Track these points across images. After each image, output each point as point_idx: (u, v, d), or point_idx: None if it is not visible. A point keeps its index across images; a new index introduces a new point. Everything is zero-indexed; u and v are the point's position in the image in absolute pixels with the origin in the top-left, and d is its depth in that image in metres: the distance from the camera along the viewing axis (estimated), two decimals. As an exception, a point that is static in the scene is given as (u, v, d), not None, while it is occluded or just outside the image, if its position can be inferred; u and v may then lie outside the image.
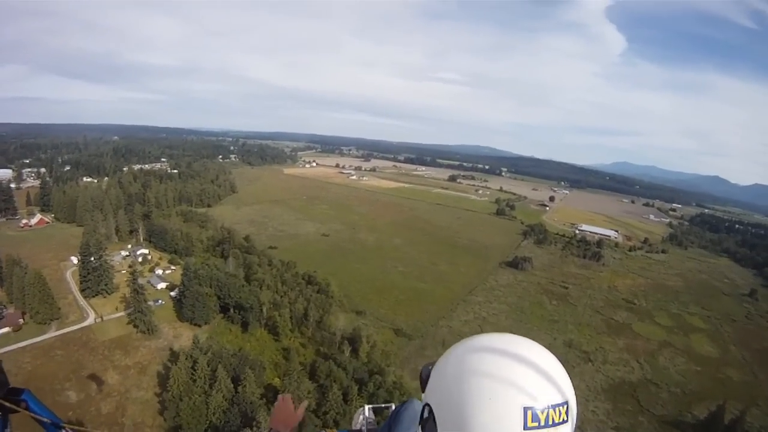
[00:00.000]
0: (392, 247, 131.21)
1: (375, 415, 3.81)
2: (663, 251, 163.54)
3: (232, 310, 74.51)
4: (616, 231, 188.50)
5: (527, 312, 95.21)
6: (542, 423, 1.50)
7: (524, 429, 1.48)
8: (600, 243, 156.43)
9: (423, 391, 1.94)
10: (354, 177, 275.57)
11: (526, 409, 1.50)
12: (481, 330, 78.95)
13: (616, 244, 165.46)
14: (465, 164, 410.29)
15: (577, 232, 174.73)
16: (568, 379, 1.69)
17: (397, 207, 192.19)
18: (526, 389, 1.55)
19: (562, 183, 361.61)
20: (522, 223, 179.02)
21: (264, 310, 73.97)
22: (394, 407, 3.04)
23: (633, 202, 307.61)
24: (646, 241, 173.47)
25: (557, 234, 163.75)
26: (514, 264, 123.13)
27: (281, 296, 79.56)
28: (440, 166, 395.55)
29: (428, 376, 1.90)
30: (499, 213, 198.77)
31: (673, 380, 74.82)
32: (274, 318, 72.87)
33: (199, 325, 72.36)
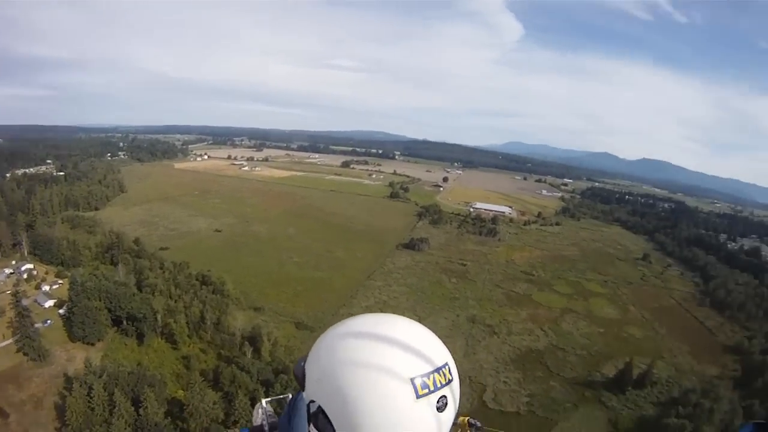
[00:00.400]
0: (286, 237, 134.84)
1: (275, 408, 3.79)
2: (557, 224, 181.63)
3: (125, 322, 73.74)
4: (511, 207, 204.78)
5: (427, 292, 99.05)
6: (432, 388, 1.78)
7: (417, 398, 1.74)
8: (495, 219, 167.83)
9: (302, 388, 2.20)
10: (246, 168, 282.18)
11: (413, 380, 1.76)
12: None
13: (511, 220, 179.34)
14: (358, 150, 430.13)
15: (471, 210, 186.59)
16: (441, 341, 2.04)
17: (290, 196, 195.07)
18: (407, 362, 1.80)
19: (456, 164, 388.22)
20: (416, 204, 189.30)
21: (159, 318, 73.98)
22: (291, 397, 3.02)
23: (525, 179, 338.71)
24: (539, 215, 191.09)
25: (452, 213, 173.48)
26: (411, 246, 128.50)
27: (175, 301, 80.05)
28: (334, 152, 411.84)
29: (303, 373, 2.19)
30: (393, 196, 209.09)
31: (578, 344, 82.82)
32: (170, 325, 73.12)
33: (92, 344, 70.50)
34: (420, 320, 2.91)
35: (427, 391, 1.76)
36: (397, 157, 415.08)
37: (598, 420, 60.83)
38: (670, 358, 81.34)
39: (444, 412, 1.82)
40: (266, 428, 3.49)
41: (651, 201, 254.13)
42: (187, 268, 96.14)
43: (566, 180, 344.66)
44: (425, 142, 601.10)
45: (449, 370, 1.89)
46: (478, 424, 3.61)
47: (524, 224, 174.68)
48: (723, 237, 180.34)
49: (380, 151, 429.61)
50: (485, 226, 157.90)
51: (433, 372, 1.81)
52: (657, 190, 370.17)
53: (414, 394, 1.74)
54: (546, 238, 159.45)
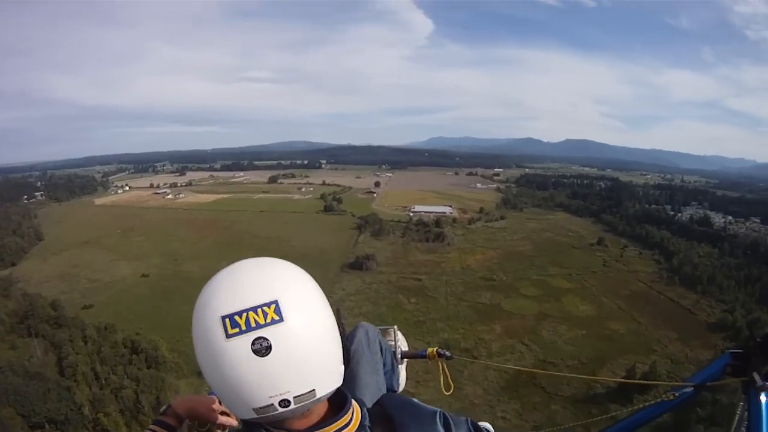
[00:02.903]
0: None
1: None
2: (502, 218, 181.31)
3: (47, 426, 59.47)
4: (450, 206, 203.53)
5: (387, 318, 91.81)
6: (244, 327, 1.57)
7: (227, 338, 1.57)
8: (438, 222, 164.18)
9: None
10: (170, 196, 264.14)
11: (223, 318, 1.58)
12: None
13: (454, 220, 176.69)
14: (283, 162, 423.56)
15: (411, 214, 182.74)
16: (287, 277, 1.78)
17: (220, 223, 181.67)
18: (220, 299, 1.65)
19: (383, 166, 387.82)
20: (353, 215, 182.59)
21: (86, 411, 61.14)
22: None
23: (456, 173, 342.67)
24: (481, 210, 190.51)
25: (392, 221, 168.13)
26: (358, 265, 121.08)
27: (101, 387, 66.46)
28: (258, 168, 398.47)
29: None
30: (327, 209, 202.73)
31: (566, 353, 79.46)
32: (101, 421, 60.34)
33: (11, 466, 56.32)
34: None
35: (237, 330, 1.56)
36: (323, 165, 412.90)
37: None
38: (662, 349, 79.73)
39: (267, 357, 1.57)
40: None
41: (587, 182, 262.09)
42: (114, 333, 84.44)
43: (497, 170, 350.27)
44: (349, 147, 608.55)
45: (276, 310, 1.60)
46: (447, 353, 3.91)
47: (469, 223, 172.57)
48: (668, 209, 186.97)
49: (306, 162, 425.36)
50: (430, 231, 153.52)
51: (247, 310, 1.58)
52: (586, 168, 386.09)
53: (223, 334, 1.57)
54: (495, 235, 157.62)
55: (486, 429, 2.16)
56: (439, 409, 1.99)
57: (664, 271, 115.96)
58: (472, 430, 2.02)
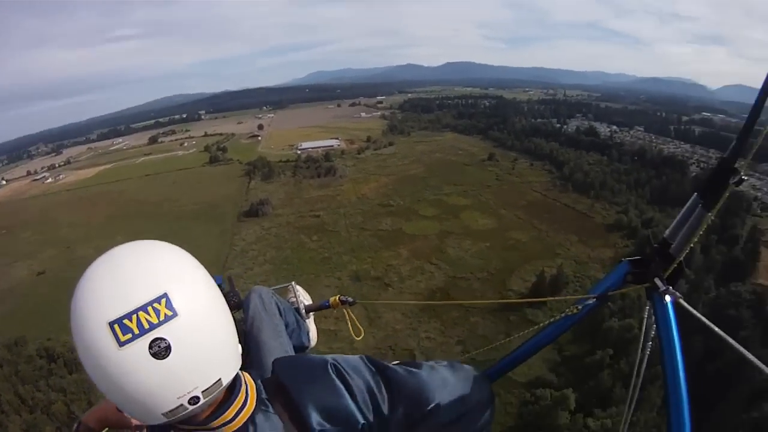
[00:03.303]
0: None
1: None
2: (390, 144, 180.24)
3: None
4: (337, 138, 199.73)
5: (294, 261, 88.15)
6: (137, 331, 1.38)
7: (120, 346, 1.37)
8: (327, 156, 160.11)
9: None
10: (50, 180, 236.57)
11: (111, 324, 1.37)
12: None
13: (343, 152, 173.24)
14: (161, 120, 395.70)
15: (299, 152, 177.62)
16: (168, 262, 1.60)
17: (107, 197, 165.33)
18: (102, 301, 1.43)
19: (264, 108, 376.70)
20: (240, 163, 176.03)
21: None
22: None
23: (339, 106, 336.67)
24: (369, 139, 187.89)
25: (281, 162, 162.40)
26: (253, 212, 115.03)
27: (31, 410, 57.92)
28: (137, 131, 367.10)
29: None
30: (213, 161, 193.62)
31: (474, 266, 79.55)
32: None
33: None
34: None
35: (130, 336, 1.37)
36: (203, 116, 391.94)
37: (535, 343, 57.07)
38: (565, 252, 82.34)
39: (168, 358, 1.40)
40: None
41: (471, 101, 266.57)
42: (25, 346, 74.32)
43: (379, 97, 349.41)
44: (227, 93, 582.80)
45: (167, 304, 1.43)
46: (350, 299, 3.90)
47: (358, 153, 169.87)
48: (554, 122, 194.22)
49: (184, 115, 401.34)
50: (321, 166, 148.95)
51: (136, 311, 1.39)
52: (469, 89, 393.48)
53: (115, 343, 1.36)
54: (386, 161, 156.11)
55: (384, 364, 1.91)
56: (330, 359, 1.87)
57: (557, 179, 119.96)
58: (370, 366, 1.86)
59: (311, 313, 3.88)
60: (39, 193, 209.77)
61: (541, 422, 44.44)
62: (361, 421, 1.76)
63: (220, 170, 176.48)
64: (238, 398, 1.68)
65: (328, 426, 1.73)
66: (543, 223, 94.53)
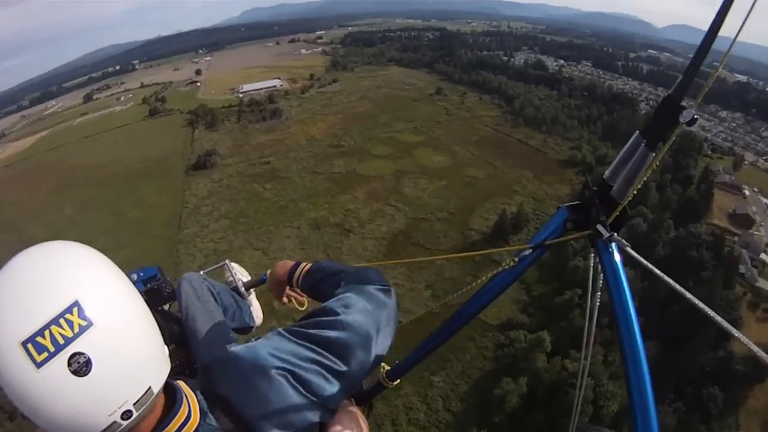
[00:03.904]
0: (68, 224, 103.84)
1: None
2: (334, 81, 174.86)
3: None
4: (279, 78, 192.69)
5: (250, 213, 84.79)
6: (52, 348, 1.21)
7: (39, 367, 1.20)
8: (271, 97, 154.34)
9: None
10: None
11: (24, 344, 1.20)
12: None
13: (286, 92, 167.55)
14: (94, 75, 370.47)
15: (241, 96, 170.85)
16: (73, 264, 1.38)
17: (47, 167, 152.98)
18: (10, 319, 1.23)
19: (200, 51, 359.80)
20: (181, 112, 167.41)
21: None
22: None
23: (278, 43, 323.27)
24: (312, 77, 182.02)
25: (223, 107, 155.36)
26: (201, 165, 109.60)
27: (10, 416, 51.14)
28: (70, 90, 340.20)
29: None
30: (153, 113, 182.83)
31: (434, 206, 78.76)
32: None
33: None
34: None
35: (46, 354, 1.20)
36: (137, 66, 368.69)
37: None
38: (522, 189, 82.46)
39: (90, 373, 1.24)
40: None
41: (414, 33, 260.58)
42: None
43: (319, 32, 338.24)
44: (159, 39, 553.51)
45: (80, 313, 1.26)
46: None
47: (302, 92, 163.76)
48: (500, 55, 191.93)
49: (117, 67, 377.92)
50: (265, 108, 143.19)
51: (47, 325, 1.21)
52: (410, 21, 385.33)
53: (32, 364, 1.20)
54: (331, 100, 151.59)
55: (307, 333, 1.77)
56: (272, 360, 1.65)
57: (507, 114, 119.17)
58: (306, 344, 1.70)
59: (252, 290, 3.62)
60: None
61: (518, 365, 44.75)
62: (321, 412, 1.69)
63: (161, 122, 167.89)
64: (179, 413, 1.51)
65: None
66: (497, 159, 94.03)
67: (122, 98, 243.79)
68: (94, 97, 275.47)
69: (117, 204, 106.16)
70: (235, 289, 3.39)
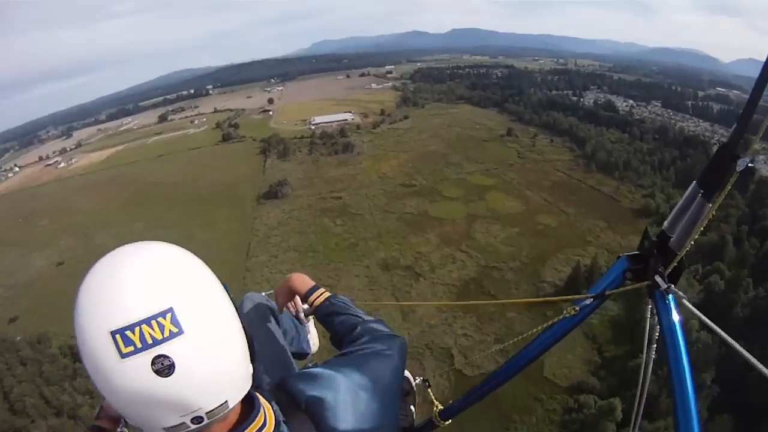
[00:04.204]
0: (137, 237, 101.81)
1: None
2: (405, 117, 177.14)
3: None
4: (351, 112, 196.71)
5: (319, 247, 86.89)
6: (140, 345, 1.31)
7: (122, 357, 1.30)
8: (343, 131, 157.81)
9: None
10: (62, 164, 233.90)
11: (113, 334, 1.31)
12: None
13: (358, 127, 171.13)
14: (169, 97, 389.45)
15: (312, 127, 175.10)
16: (177, 271, 1.49)
17: (121, 181, 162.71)
18: (104, 308, 1.36)
19: (272, 81, 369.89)
20: (254, 140, 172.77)
21: None
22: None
23: (348, 76, 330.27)
24: (383, 112, 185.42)
25: (295, 138, 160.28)
26: (272, 194, 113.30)
27: (57, 413, 57.00)
28: (145, 109, 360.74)
29: None
30: (226, 138, 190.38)
31: (505, 255, 78.29)
32: None
33: None
34: (331, 289, 2.87)
35: (132, 348, 1.30)
36: (211, 91, 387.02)
37: (575, 339, 55.76)
38: (595, 239, 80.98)
39: (171, 377, 1.33)
40: None
41: (483, 71, 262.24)
42: (49, 344, 73.31)
43: (389, 67, 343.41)
44: (232, 67, 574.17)
45: (173, 320, 1.35)
46: (345, 298, 3.36)
47: (373, 127, 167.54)
48: (569, 94, 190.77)
49: (192, 91, 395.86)
50: (337, 142, 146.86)
51: (139, 323, 1.32)
52: (478, 57, 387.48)
53: (116, 353, 1.30)
54: (402, 136, 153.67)
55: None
56: (348, 379, 1.87)
57: (579, 158, 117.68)
58: (351, 363, 1.99)
59: (311, 317, 3.50)
60: (52, 179, 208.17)
61: (586, 433, 43.77)
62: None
63: (234, 148, 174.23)
64: (255, 421, 1.60)
65: None
66: (570, 207, 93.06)
67: (196, 121, 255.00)
68: (169, 118, 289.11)
69: (186, 224, 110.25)
70: (295, 315, 3.47)
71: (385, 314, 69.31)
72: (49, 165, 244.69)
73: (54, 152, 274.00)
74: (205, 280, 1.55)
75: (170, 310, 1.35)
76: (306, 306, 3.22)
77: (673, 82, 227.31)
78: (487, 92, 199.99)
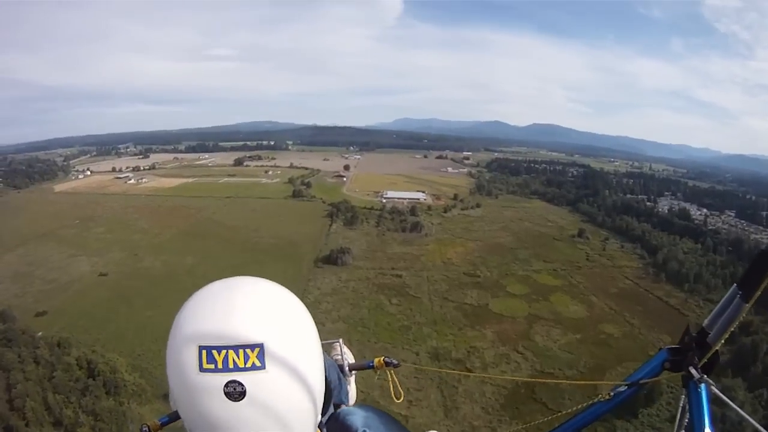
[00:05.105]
0: (186, 271, 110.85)
1: None
2: (477, 205, 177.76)
3: None
4: (423, 192, 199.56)
5: (370, 323, 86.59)
6: (219, 366, 1.44)
7: (200, 371, 1.44)
8: (413, 210, 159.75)
9: None
10: (132, 181, 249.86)
11: (201, 348, 1.46)
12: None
13: (429, 207, 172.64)
14: (249, 143, 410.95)
15: (384, 201, 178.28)
16: (280, 314, 1.64)
17: (184, 211, 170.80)
18: (203, 323, 1.52)
19: (351, 148, 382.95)
20: (324, 202, 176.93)
21: None
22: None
23: (426, 156, 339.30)
24: (456, 197, 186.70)
25: (365, 208, 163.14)
26: (332, 259, 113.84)
27: (54, 423, 56.19)
28: (224, 150, 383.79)
29: None
30: (296, 195, 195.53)
31: (563, 361, 75.67)
32: None
33: None
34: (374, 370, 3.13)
35: (213, 366, 1.43)
36: (290, 147, 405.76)
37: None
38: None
39: (239, 402, 1.44)
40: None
41: (559, 168, 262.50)
42: (68, 351, 72.35)
43: (466, 153, 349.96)
44: (314, 128, 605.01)
45: (259, 355, 1.46)
46: (395, 362, 3.77)
47: (444, 211, 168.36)
48: (644, 199, 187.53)
49: (272, 143, 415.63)
50: (406, 219, 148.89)
51: (228, 347, 1.44)
52: (554, 153, 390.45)
53: (197, 365, 1.44)
54: (472, 224, 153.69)
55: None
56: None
57: (650, 266, 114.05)
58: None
59: (353, 372, 3.79)
60: (119, 191, 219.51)
61: None
62: None
63: (302, 206, 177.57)
64: None
65: None
66: (635, 317, 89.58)
67: (270, 172, 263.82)
68: (245, 163, 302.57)
69: (238, 270, 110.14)
70: (341, 368, 3.67)
71: (426, 407, 68.57)
72: (120, 178, 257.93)
73: (128, 167, 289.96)
74: (302, 325, 1.67)
75: (261, 345, 1.46)
76: (352, 361, 3.78)
77: (747, 191, 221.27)
78: (562, 190, 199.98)
